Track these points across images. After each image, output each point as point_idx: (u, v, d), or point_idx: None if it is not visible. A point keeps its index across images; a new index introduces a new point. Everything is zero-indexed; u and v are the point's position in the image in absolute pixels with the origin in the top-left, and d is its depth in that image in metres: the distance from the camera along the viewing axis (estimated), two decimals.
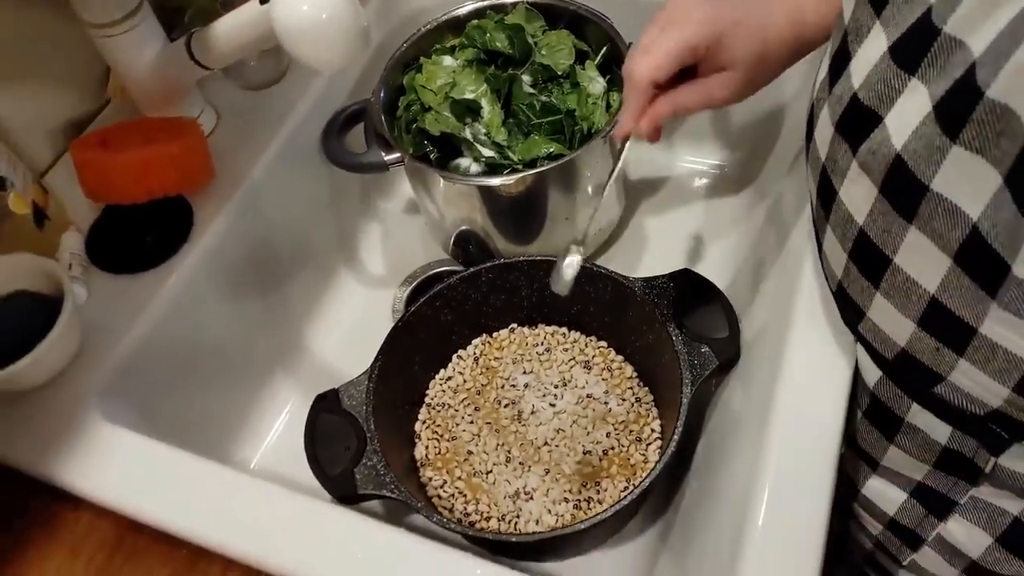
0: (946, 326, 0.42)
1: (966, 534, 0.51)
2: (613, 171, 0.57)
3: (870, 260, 0.44)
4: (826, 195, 0.48)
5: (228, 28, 0.53)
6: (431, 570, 0.48)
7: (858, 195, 0.44)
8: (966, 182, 0.37)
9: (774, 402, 0.49)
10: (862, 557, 0.63)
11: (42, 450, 0.55)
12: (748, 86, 0.53)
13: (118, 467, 0.54)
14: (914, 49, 0.39)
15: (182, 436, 0.58)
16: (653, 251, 0.78)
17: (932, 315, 0.42)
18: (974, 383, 0.42)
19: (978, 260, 0.38)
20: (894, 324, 0.45)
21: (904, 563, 0.58)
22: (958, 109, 0.36)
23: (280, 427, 0.73)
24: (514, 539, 0.56)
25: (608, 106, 0.69)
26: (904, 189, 0.40)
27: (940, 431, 0.48)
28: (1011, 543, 0.50)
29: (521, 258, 0.67)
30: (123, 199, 0.61)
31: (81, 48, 0.65)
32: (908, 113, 0.39)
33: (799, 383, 0.51)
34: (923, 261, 0.41)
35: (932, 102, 0.38)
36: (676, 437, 0.55)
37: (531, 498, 0.62)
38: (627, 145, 0.55)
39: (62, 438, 0.55)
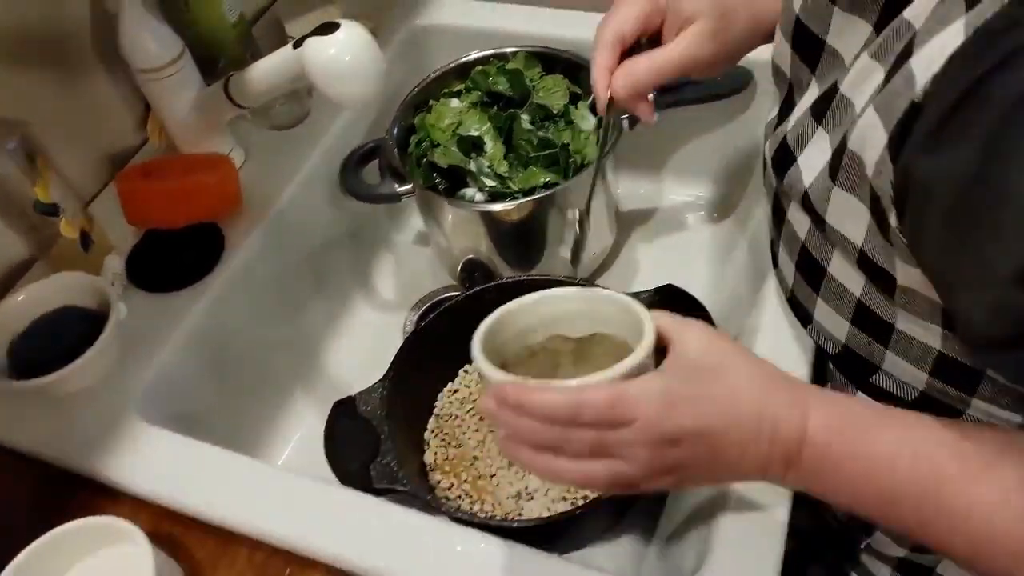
0: (872, 324, 0.49)
1: None
2: (603, 153, 0.57)
3: (811, 271, 0.52)
4: (777, 215, 0.55)
5: (264, 70, 0.60)
6: (444, 545, 0.53)
7: (798, 216, 0.52)
8: (846, 216, 0.45)
9: None
10: (832, 545, 0.68)
11: (86, 448, 0.60)
12: (717, 38, 0.53)
13: (154, 462, 0.59)
14: (824, 104, 0.47)
15: (212, 438, 0.63)
16: (643, 274, 0.84)
17: (861, 315, 0.49)
18: (901, 371, 0.49)
19: (875, 274, 0.45)
20: (834, 324, 0.52)
21: (862, 546, 0.63)
22: (837, 156, 0.44)
23: (299, 436, 0.78)
24: (515, 524, 0.61)
25: (598, 140, 0.76)
26: (815, 218, 0.48)
27: None
28: None
29: (521, 277, 0.73)
30: (161, 224, 0.68)
31: (122, 92, 0.72)
32: (814, 157, 0.47)
33: None
34: (846, 272, 0.48)
35: (831, 149, 0.45)
36: None
37: (532, 498, 0.67)
38: (612, 122, 0.54)
39: (104, 437, 0.61)
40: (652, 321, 0.45)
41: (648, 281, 0.83)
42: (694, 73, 0.55)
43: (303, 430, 0.78)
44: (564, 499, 0.66)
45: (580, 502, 0.66)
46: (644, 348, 0.44)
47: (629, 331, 0.48)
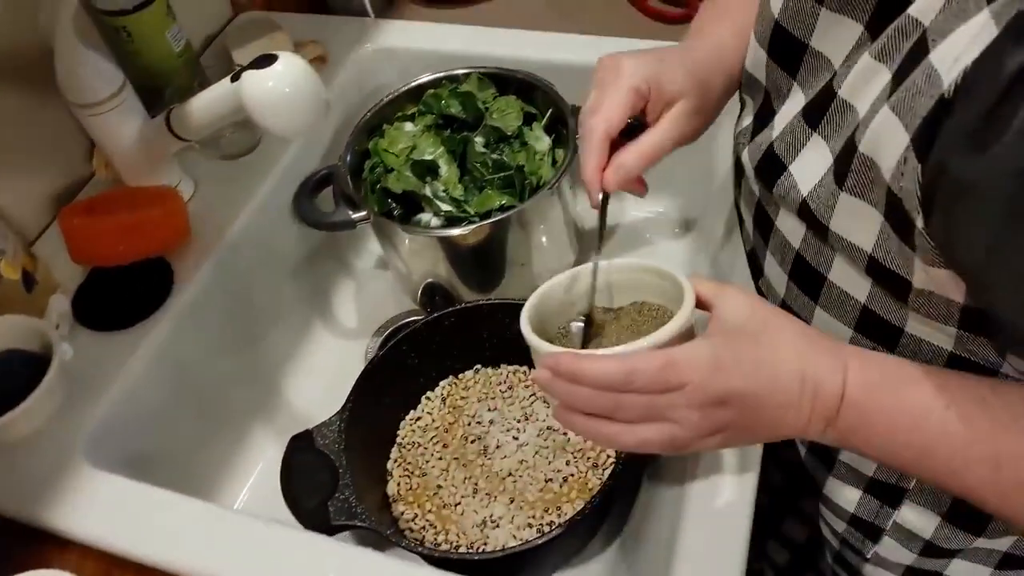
0: (879, 329, 0.48)
1: (918, 517, 0.56)
2: (601, 234, 0.55)
3: (808, 279, 0.51)
4: (763, 225, 0.55)
5: (203, 104, 0.59)
6: None
7: (791, 224, 0.51)
8: (855, 222, 0.44)
9: None
10: (832, 557, 0.68)
11: (32, 496, 0.58)
12: (700, 113, 0.55)
13: (103, 508, 0.57)
14: (818, 109, 0.47)
15: (167, 480, 0.61)
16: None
17: (865, 322, 0.49)
18: None
19: (886, 278, 0.45)
20: (834, 332, 0.51)
21: (868, 556, 0.62)
22: (844, 162, 0.43)
23: (260, 471, 0.76)
24: (476, 557, 0.59)
25: (554, 162, 0.75)
26: (816, 226, 0.47)
27: None
28: (955, 519, 0.55)
29: (480, 301, 0.72)
30: (107, 261, 0.66)
31: (67, 125, 0.71)
32: (812, 164, 0.47)
33: None
34: (849, 278, 0.48)
35: (832, 156, 0.44)
36: (622, 458, 0.59)
37: (497, 526, 0.66)
38: (607, 209, 0.54)
39: (50, 484, 0.59)
40: (692, 286, 0.48)
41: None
42: (680, 146, 0.55)
43: (264, 465, 0.77)
44: (530, 525, 0.65)
45: (546, 529, 0.65)
46: (686, 312, 0.46)
47: (669, 298, 0.51)
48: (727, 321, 0.46)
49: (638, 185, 0.57)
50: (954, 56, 0.35)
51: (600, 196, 0.53)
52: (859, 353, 0.46)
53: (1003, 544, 0.55)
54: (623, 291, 0.55)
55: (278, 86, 0.51)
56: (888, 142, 0.39)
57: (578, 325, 0.54)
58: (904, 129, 0.38)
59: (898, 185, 0.39)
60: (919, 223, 0.39)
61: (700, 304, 0.48)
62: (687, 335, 0.47)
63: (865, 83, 0.42)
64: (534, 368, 0.77)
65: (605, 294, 0.55)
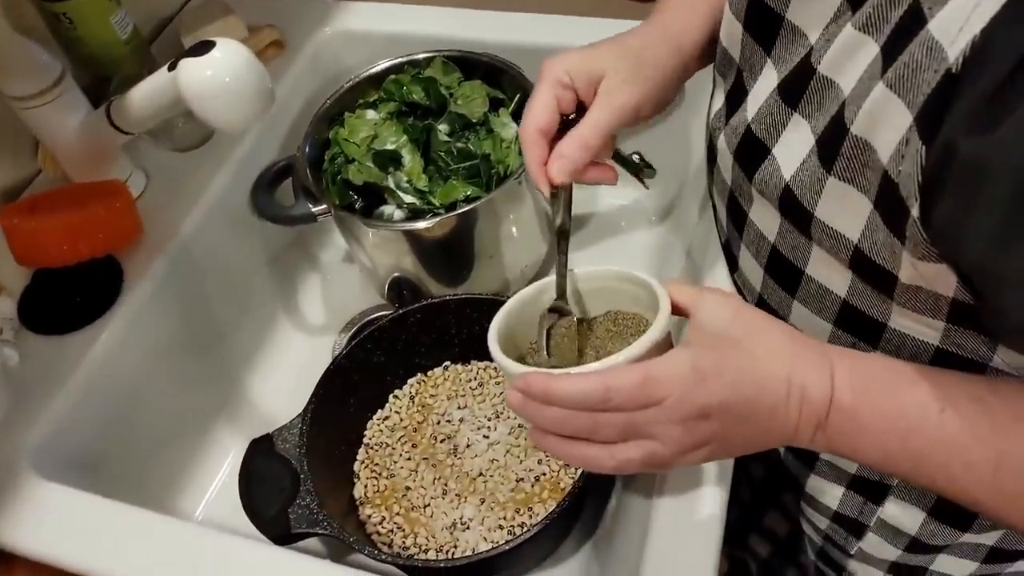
0: (859, 324, 0.46)
1: (902, 513, 0.55)
2: (563, 228, 0.54)
3: (784, 273, 0.49)
4: (736, 216, 0.52)
5: (142, 95, 0.56)
6: None
7: (765, 216, 0.48)
8: (842, 210, 0.41)
9: None
10: (815, 553, 0.66)
11: None
12: (633, 83, 0.53)
13: (52, 522, 0.55)
14: (797, 86, 0.44)
15: (123, 490, 0.59)
16: None
17: (845, 316, 0.46)
18: None
19: (870, 271, 0.42)
20: (813, 327, 0.49)
21: (852, 552, 0.60)
22: (832, 144, 0.40)
23: (224, 476, 0.74)
24: (442, 564, 0.57)
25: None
26: (797, 215, 0.44)
27: None
28: (941, 514, 0.53)
29: (447, 296, 0.70)
30: (52, 262, 0.63)
31: (9, 119, 0.67)
32: (795, 145, 0.44)
33: None
34: (830, 272, 0.45)
35: (815, 137, 0.42)
36: None
37: (468, 528, 0.64)
38: (562, 198, 0.53)
39: None
40: (667, 292, 0.45)
41: None
42: (631, 122, 0.54)
43: (228, 471, 0.74)
44: (500, 527, 0.63)
45: (517, 531, 0.63)
46: (661, 322, 0.44)
47: (645, 306, 0.48)
48: (706, 327, 0.43)
49: (598, 171, 0.55)
50: (958, 25, 0.32)
51: (549, 191, 0.52)
52: (848, 354, 0.44)
53: (990, 539, 0.54)
54: (595, 300, 0.52)
55: (217, 75, 0.48)
56: (886, 123, 0.36)
57: (552, 316, 0.51)
58: (906, 108, 0.35)
59: (896, 169, 0.36)
60: (914, 211, 0.36)
61: (677, 311, 0.45)
62: (665, 345, 0.44)
63: (848, 57, 0.39)
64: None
65: (576, 304, 0.51)
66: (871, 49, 0.38)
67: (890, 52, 0.36)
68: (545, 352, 0.50)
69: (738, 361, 0.42)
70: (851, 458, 0.45)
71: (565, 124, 0.53)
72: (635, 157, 0.64)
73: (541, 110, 0.52)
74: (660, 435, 0.41)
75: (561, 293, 0.51)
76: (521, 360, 0.47)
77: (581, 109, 0.53)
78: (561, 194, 0.53)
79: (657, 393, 0.40)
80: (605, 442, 0.42)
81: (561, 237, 0.53)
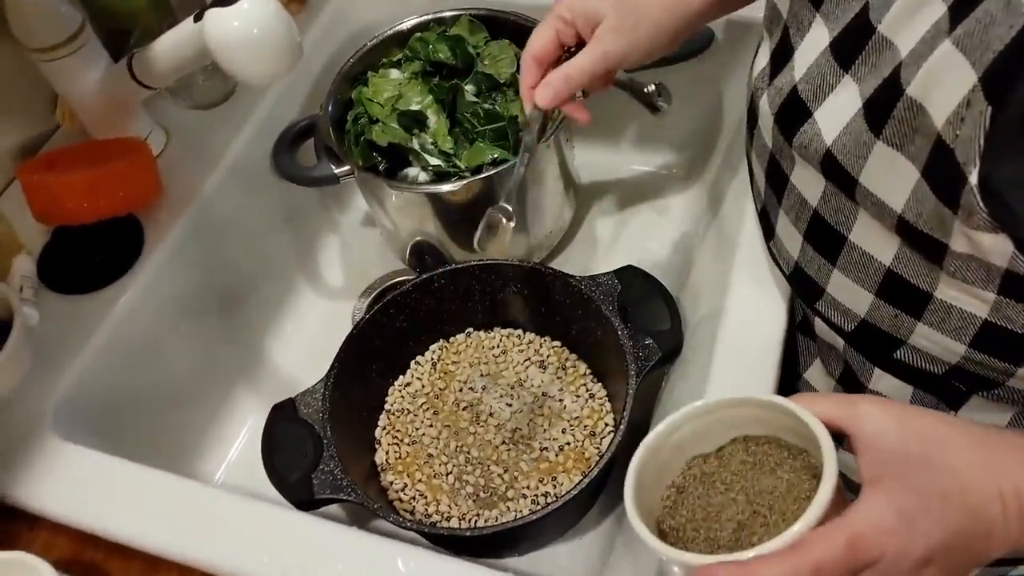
0: (903, 294, 0.44)
1: None
2: (527, 139, 0.57)
3: (826, 240, 0.47)
4: (776, 180, 0.50)
5: (166, 47, 0.54)
6: (384, 563, 0.49)
7: (808, 179, 0.46)
8: (888, 176, 0.39)
9: (708, 384, 0.51)
10: None
11: None
12: (622, 32, 0.54)
13: (73, 483, 0.54)
14: (851, 46, 0.41)
15: (142, 452, 0.58)
16: (604, 251, 0.80)
17: (889, 286, 0.44)
18: (933, 343, 0.45)
19: (918, 240, 0.40)
20: (853, 297, 0.47)
21: None
22: (883, 106, 0.38)
23: (243, 440, 0.73)
24: (468, 533, 0.57)
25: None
26: (841, 179, 0.42)
27: (902, 393, 0.50)
28: None
29: (472, 262, 0.68)
30: (71, 220, 0.62)
31: (28, 74, 0.66)
32: (841, 108, 0.42)
33: (730, 367, 0.52)
34: (875, 238, 0.43)
35: (862, 99, 0.40)
36: (623, 428, 0.56)
37: (491, 496, 0.63)
38: (539, 120, 0.57)
39: (16, 456, 0.55)
40: (818, 419, 0.38)
41: (609, 260, 0.79)
42: (617, 66, 0.56)
43: (247, 435, 0.73)
44: (524, 496, 0.63)
45: (541, 500, 0.63)
46: (831, 463, 0.37)
47: (773, 426, 0.41)
48: (883, 449, 0.37)
49: (574, 106, 0.58)
50: None
51: (531, 111, 0.57)
52: None
53: None
54: (717, 431, 0.44)
55: (244, 26, 0.46)
56: (945, 82, 0.34)
57: (495, 214, 0.56)
58: (971, 67, 0.33)
59: (953, 133, 0.34)
60: (972, 178, 0.34)
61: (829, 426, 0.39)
62: (838, 488, 0.37)
63: (911, 16, 0.37)
64: (535, 335, 0.72)
65: (698, 440, 0.44)
66: (937, 8, 0.36)
67: (960, 9, 0.34)
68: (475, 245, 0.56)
69: (935, 484, 0.37)
70: None
71: (569, 54, 0.57)
72: (651, 88, 0.67)
73: (539, 40, 0.56)
74: None
75: (508, 198, 0.56)
76: (659, 524, 0.41)
77: (582, 44, 0.56)
78: (539, 116, 0.57)
79: (870, 553, 0.35)
80: None
81: (526, 150, 0.57)
